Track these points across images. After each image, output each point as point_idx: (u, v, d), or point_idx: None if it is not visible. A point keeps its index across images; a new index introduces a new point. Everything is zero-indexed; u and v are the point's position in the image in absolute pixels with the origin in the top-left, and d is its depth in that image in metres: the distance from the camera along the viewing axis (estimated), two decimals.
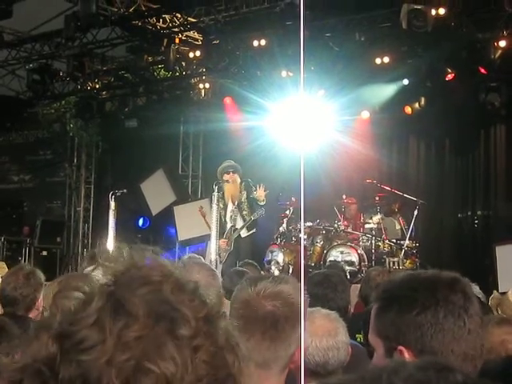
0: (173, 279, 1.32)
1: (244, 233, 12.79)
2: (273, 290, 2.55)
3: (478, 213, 15.21)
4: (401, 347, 2.22)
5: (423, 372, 1.13)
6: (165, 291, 1.28)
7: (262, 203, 12.55)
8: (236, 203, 12.79)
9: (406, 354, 2.20)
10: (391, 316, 2.25)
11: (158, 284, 1.29)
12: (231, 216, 12.86)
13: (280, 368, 2.54)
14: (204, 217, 14.93)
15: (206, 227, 14.67)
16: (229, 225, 12.83)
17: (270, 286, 2.56)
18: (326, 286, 5.07)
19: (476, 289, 5.65)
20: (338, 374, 3.73)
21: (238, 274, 6.80)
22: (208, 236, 13.14)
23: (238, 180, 12.82)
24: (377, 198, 14.15)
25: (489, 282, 11.67)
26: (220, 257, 12.39)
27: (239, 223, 12.82)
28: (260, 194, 12.49)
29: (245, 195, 12.75)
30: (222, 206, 12.81)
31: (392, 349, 2.24)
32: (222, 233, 12.69)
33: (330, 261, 12.82)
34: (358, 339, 5.69)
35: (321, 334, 3.63)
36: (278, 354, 2.51)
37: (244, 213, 12.75)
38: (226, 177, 12.72)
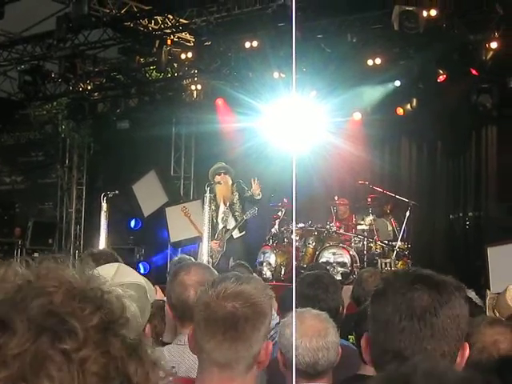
0: (66, 288, 1.26)
1: (236, 234, 12.83)
2: (233, 291, 2.56)
3: (470, 214, 15.24)
4: (365, 334, 2.38)
5: None
6: (55, 302, 1.23)
7: (258, 197, 12.67)
8: (228, 204, 12.83)
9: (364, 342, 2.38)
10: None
11: (48, 295, 1.24)
12: (223, 217, 12.91)
13: (243, 368, 2.54)
14: (189, 217, 14.99)
15: (193, 228, 14.72)
16: (220, 226, 12.87)
17: (230, 287, 2.57)
18: (317, 287, 5.07)
19: (472, 294, 5.66)
20: (328, 374, 3.74)
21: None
22: (199, 237, 13.17)
23: (230, 181, 12.88)
24: (369, 200, 14.18)
25: (481, 282, 11.69)
26: (212, 258, 12.41)
27: (231, 224, 12.86)
28: (255, 188, 12.57)
29: (237, 196, 12.80)
30: (213, 207, 12.86)
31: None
32: (213, 234, 12.72)
33: (322, 262, 12.82)
34: (351, 340, 5.70)
35: (311, 335, 3.63)
36: (239, 355, 2.52)
37: (236, 214, 12.79)
38: (217, 178, 12.77)
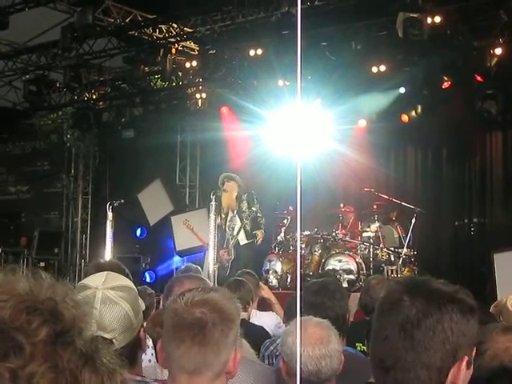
0: (15, 302, 1.24)
1: (243, 240, 12.83)
2: (201, 298, 2.61)
3: (475, 220, 15.20)
4: None
5: None
6: (3, 316, 1.21)
7: (257, 243, 12.84)
8: (235, 212, 12.85)
9: None
10: None
11: None
12: (229, 225, 12.92)
13: (212, 375, 2.56)
14: (192, 229, 15.00)
15: (196, 240, 14.74)
16: (228, 234, 12.90)
17: (197, 295, 2.63)
18: (323, 295, 5.05)
19: None
20: (332, 382, 3.73)
21: (235, 283, 6.78)
22: (205, 246, 13.16)
23: (236, 189, 12.89)
24: (374, 207, 14.15)
25: (486, 289, 11.66)
26: (223, 268, 12.46)
27: (236, 231, 12.89)
28: (259, 235, 12.78)
29: (246, 205, 12.79)
30: (223, 215, 12.90)
31: None
32: (222, 243, 12.77)
33: (329, 269, 12.79)
34: (359, 348, 5.68)
35: (313, 343, 3.63)
36: (207, 360, 2.55)
37: (245, 221, 12.80)
38: (224, 186, 12.83)
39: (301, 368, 3.47)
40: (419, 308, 2.18)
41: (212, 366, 2.55)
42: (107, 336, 2.87)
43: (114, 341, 2.90)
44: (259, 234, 12.89)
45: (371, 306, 6.58)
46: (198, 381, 2.55)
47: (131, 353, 2.99)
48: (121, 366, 1.32)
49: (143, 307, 3.36)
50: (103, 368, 1.27)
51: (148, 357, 3.94)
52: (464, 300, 2.26)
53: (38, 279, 1.33)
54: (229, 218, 12.94)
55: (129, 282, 3.18)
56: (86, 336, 1.29)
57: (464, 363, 2.22)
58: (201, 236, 14.58)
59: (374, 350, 2.26)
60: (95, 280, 3.08)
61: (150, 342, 4.33)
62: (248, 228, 12.83)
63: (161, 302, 6.43)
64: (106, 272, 3.21)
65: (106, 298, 2.97)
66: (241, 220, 12.86)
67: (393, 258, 13.60)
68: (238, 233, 12.85)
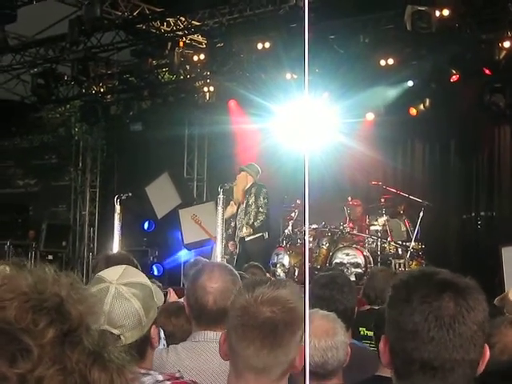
0: (20, 300, 1.21)
1: (248, 236, 12.80)
2: (271, 296, 2.52)
3: (482, 214, 15.20)
4: (383, 337, 2.35)
5: None
6: (8, 318, 1.18)
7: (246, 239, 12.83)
8: (244, 205, 12.82)
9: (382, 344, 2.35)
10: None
11: (2, 310, 1.20)
12: (238, 218, 12.91)
13: (279, 373, 2.53)
14: (200, 224, 14.99)
15: (204, 234, 14.75)
16: (237, 227, 12.89)
17: (267, 292, 2.53)
18: (332, 288, 5.06)
19: None
20: (338, 374, 3.74)
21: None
22: (214, 240, 13.17)
23: (244, 180, 12.86)
24: (382, 200, 14.14)
25: (494, 282, 11.64)
26: (228, 260, 12.44)
27: (239, 225, 12.88)
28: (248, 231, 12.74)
29: (253, 198, 12.76)
30: (235, 207, 12.90)
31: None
32: (232, 236, 12.79)
33: (336, 263, 12.81)
34: (362, 332, 5.76)
35: (319, 335, 3.63)
36: (277, 360, 2.49)
37: (249, 215, 12.76)
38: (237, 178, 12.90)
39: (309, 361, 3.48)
40: (461, 304, 2.18)
41: (281, 365, 2.51)
42: (115, 331, 2.87)
43: (121, 337, 2.90)
44: (247, 229, 12.82)
45: (374, 295, 6.66)
46: (265, 380, 2.51)
47: (139, 350, 2.98)
48: (129, 361, 1.31)
49: (160, 303, 3.36)
50: (112, 365, 1.25)
51: (160, 346, 3.94)
52: (480, 288, 2.27)
53: (41, 273, 1.30)
54: (239, 211, 12.93)
55: (145, 280, 3.17)
56: (93, 332, 1.27)
57: (488, 353, 2.23)
58: (209, 230, 14.59)
59: (414, 351, 2.19)
60: (112, 273, 3.09)
61: (161, 333, 4.33)
62: (251, 222, 12.77)
63: (169, 295, 6.44)
64: (124, 266, 3.21)
65: (119, 293, 2.97)
66: (245, 214, 12.83)
67: (400, 252, 13.61)
68: (241, 227, 12.82)
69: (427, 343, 2.17)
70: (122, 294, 2.97)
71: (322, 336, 3.62)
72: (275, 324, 2.47)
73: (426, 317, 2.18)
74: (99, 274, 3.13)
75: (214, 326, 3.79)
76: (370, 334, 5.55)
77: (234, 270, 4.15)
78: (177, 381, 2.99)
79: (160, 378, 2.97)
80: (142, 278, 3.17)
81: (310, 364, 3.49)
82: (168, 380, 2.98)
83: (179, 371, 3.21)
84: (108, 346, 1.28)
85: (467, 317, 2.17)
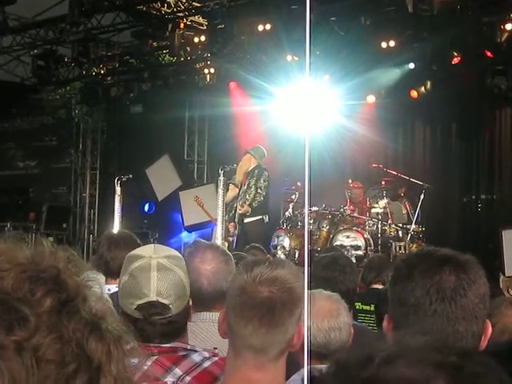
0: (17, 271, 1.22)
1: (246, 216, 12.81)
2: (269, 276, 2.54)
3: (483, 197, 15.22)
4: (387, 315, 2.38)
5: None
6: (5, 287, 1.19)
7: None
8: (245, 187, 12.83)
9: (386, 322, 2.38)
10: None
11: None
12: (239, 199, 12.92)
13: (277, 353, 2.54)
14: (202, 206, 14.97)
15: (206, 216, 14.74)
16: (238, 208, 12.91)
17: (266, 272, 2.55)
18: (333, 269, 5.07)
19: None
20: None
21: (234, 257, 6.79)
22: (214, 222, 13.18)
23: (248, 162, 12.89)
24: (383, 183, 14.12)
25: (494, 265, 11.65)
26: (228, 241, 12.45)
27: (239, 206, 12.89)
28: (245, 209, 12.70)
29: (254, 181, 12.76)
30: (238, 189, 12.93)
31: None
32: (233, 217, 12.81)
33: (336, 245, 12.82)
34: (358, 306, 5.84)
35: (322, 315, 3.64)
36: (275, 339, 2.52)
37: (247, 197, 12.76)
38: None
39: (310, 341, 3.49)
40: (461, 277, 2.21)
41: (279, 344, 2.53)
42: (165, 302, 2.96)
43: (170, 306, 2.97)
44: (243, 207, 12.81)
45: (368, 280, 6.77)
46: (263, 359, 2.52)
47: (183, 320, 3.07)
48: (127, 333, 1.31)
49: None
50: (109, 335, 1.26)
51: None
52: (480, 263, 2.29)
53: (39, 246, 1.31)
54: (240, 192, 12.95)
55: (177, 253, 3.23)
56: (90, 303, 1.27)
57: (490, 328, 2.25)
58: (210, 212, 14.60)
59: (417, 325, 2.21)
60: (146, 250, 3.16)
61: None
62: (249, 202, 12.77)
63: None
64: (152, 244, 3.31)
65: (161, 265, 3.03)
66: (244, 195, 12.84)
67: (401, 234, 13.62)
68: (241, 208, 12.81)
69: (429, 316, 2.19)
70: (164, 265, 3.03)
71: (325, 317, 3.63)
72: (273, 303, 2.49)
73: (427, 290, 2.20)
74: (132, 252, 3.20)
75: (209, 307, 3.83)
76: (366, 307, 5.62)
77: (226, 250, 4.19)
78: (217, 357, 3.05)
79: (206, 354, 3.03)
80: (175, 252, 3.23)
81: (312, 344, 3.52)
82: (214, 356, 3.05)
83: (216, 348, 3.25)
84: (106, 317, 1.28)
85: (468, 289, 2.19)
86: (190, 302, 3.17)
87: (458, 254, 2.30)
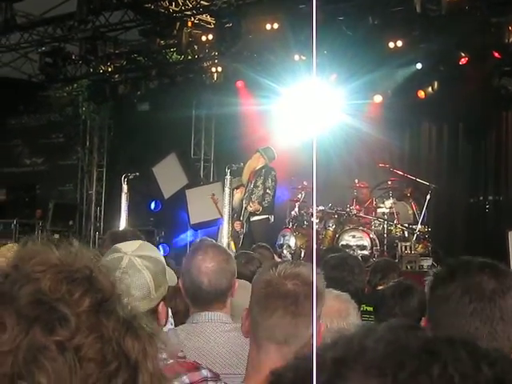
0: (53, 272, 1.23)
1: (256, 215, 12.80)
2: (292, 271, 2.67)
3: (490, 198, 15.19)
4: (424, 318, 2.50)
5: (392, 332, 1.11)
6: (43, 289, 1.20)
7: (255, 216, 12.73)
8: (252, 185, 12.81)
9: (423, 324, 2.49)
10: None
11: (36, 282, 1.21)
12: (245, 197, 12.91)
13: (300, 347, 2.57)
14: (216, 204, 14.96)
15: (217, 213, 14.71)
16: (243, 206, 12.90)
17: (289, 268, 2.68)
18: (342, 269, 5.08)
19: None
20: None
21: (243, 256, 6.78)
22: (220, 219, 13.18)
23: (256, 161, 12.90)
24: (389, 183, 14.13)
25: None
26: (235, 239, 12.46)
27: (245, 205, 12.88)
28: (255, 207, 12.64)
29: (261, 180, 12.75)
30: (244, 188, 12.94)
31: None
32: (239, 215, 12.79)
33: (342, 245, 12.82)
34: (362, 308, 5.89)
35: (331, 316, 3.63)
36: (298, 331, 2.58)
37: (253, 196, 12.75)
38: None
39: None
40: (500, 281, 2.30)
41: (301, 337, 2.59)
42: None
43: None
44: (254, 205, 12.83)
45: (374, 282, 6.79)
46: (286, 350, 2.57)
47: None
48: (158, 330, 1.34)
49: (174, 283, 3.40)
50: (143, 333, 1.28)
51: (168, 326, 3.99)
52: None
53: (65, 248, 1.32)
54: (246, 190, 12.95)
55: (159, 256, 3.24)
56: (124, 302, 1.29)
57: None
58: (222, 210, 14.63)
59: (455, 324, 2.28)
60: (128, 246, 3.17)
61: (169, 313, 4.36)
62: (260, 201, 12.77)
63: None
64: (141, 241, 3.28)
65: (131, 264, 3.03)
66: (251, 194, 12.83)
67: (407, 235, 13.62)
68: (247, 204, 12.80)
69: (468, 316, 2.26)
70: (134, 264, 3.03)
71: (334, 317, 3.62)
72: (297, 295, 2.60)
73: (467, 289, 2.29)
74: (116, 245, 3.21)
75: (210, 306, 3.85)
76: (370, 309, 5.65)
77: (227, 249, 4.22)
78: (180, 360, 3.01)
79: (163, 356, 2.99)
80: (157, 254, 3.22)
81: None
82: (171, 359, 3.00)
83: (182, 351, 3.24)
84: (138, 315, 1.30)
85: (507, 293, 2.29)
86: (161, 306, 3.14)
87: (495, 262, 2.42)
